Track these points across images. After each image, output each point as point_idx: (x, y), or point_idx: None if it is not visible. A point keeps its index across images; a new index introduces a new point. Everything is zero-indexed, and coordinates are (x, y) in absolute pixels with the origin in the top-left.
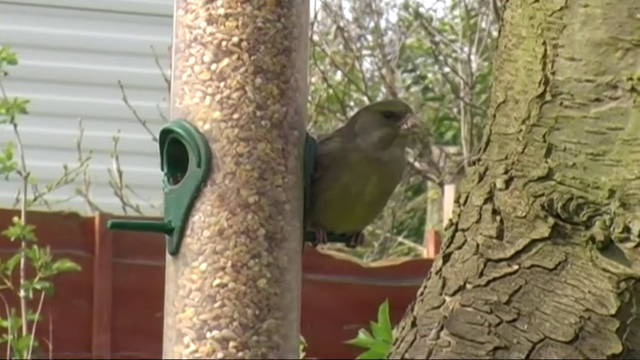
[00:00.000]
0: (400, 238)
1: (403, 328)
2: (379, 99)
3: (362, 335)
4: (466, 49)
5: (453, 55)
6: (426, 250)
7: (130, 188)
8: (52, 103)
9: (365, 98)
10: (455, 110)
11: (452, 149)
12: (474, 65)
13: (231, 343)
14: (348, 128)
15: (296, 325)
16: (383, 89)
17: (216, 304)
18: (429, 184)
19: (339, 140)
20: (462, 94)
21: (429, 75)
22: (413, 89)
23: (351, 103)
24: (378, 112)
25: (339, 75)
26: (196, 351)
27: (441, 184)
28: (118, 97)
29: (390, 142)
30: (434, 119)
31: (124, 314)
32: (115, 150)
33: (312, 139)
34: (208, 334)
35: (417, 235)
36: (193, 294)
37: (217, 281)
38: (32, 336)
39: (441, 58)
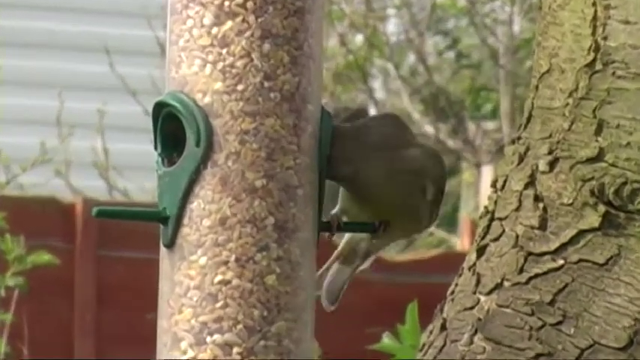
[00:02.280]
0: (430, 228)
1: (431, 332)
2: (406, 66)
3: (386, 339)
4: (507, 8)
5: (492, 15)
6: (460, 242)
7: (117, 169)
8: (27, 69)
9: (389, 65)
10: (494, 80)
11: (490, 125)
12: (516, 28)
13: (235, 349)
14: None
15: (310, 328)
16: (410, 55)
17: (218, 304)
18: (464, 164)
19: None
20: (501, 61)
21: (464, 39)
22: (445, 55)
23: (374, 71)
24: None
25: (359, 38)
26: (195, 358)
27: (478, 165)
28: (104, 63)
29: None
30: (469, 90)
31: (111, 315)
32: (101, 125)
33: (329, 114)
34: (209, 339)
35: (450, 223)
36: (191, 292)
37: (219, 277)
38: (4, 339)
39: (477, 19)
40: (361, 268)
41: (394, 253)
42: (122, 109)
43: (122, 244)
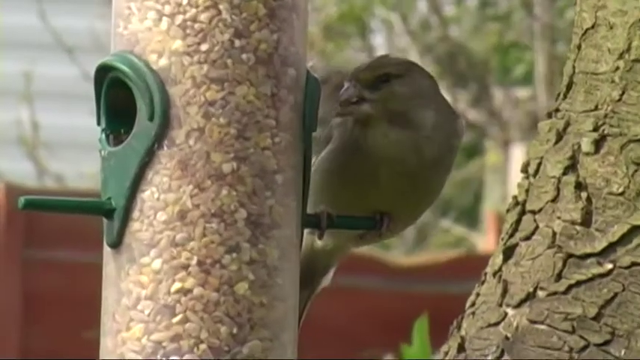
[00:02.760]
0: (446, 222)
1: (446, 354)
2: (415, 18)
3: None
4: None
5: None
6: (484, 241)
7: (48, 148)
8: None
9: (395, 17)
10: (527, 35)
11: (522, 92)
12: None
13: None
14: None
15: (291, 350)
16: (421, 3)
17: (176, 319)
18: (489, 143)
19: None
20: (536, 12)
21: None
22: (466, 4)
23: (375, 24)
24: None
25: None
26: None
27: (506, 144)
28: (31, 13)
29: (362, 122)
30: (496, 48)
31: (39, 332)
32: (28, 91)
33: (316, 80)
34: None
35: (471, 218)
36: (143, 304)
37: (177, 285)
38: None
39: None
40: (320, 288)
41: (400, 254)
42: (55, 72)
43: (55, 243)
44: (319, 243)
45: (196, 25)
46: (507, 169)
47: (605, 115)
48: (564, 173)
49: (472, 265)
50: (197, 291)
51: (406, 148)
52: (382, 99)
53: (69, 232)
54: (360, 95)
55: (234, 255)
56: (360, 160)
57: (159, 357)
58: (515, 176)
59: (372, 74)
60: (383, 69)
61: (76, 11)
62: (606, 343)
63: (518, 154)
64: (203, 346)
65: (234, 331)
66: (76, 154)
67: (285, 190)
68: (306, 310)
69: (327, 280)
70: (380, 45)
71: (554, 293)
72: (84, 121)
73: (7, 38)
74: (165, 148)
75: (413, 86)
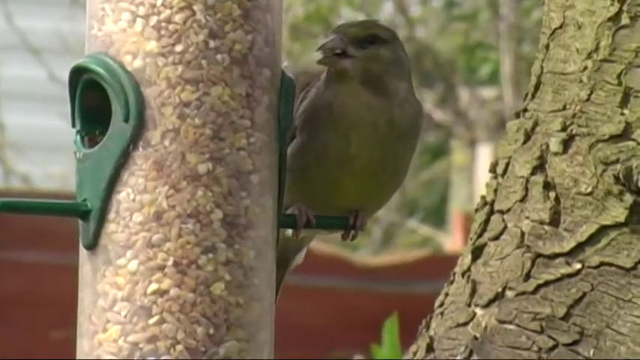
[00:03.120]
0: (413, 222)
1: (415, 354)
2: (381, 18)
3: None
4: None
5: None
6: (451, 241)
7: (15, 148)
8: None
9: (360, 17)
10: (493, 35)
11: (489, 92)
12: None
13: None
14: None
15: (268, 350)
16: (387, 3)
17: (152, 320)
18: (455, 143)
19: (315, 90)
20: (502, 11)
21: None
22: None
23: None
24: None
25: None
26: None
27: (472, 144)
28: None
29: (335, 77)
30: (462, 47)
31: (8, 333)
32: None
33: (291, 81)
34: None
35: (437, 218)
36: (119, 305)
37: (153, 286)
38: None
39: None
40: (294, 265)
41: (367, 254)
42: (22, 72)
43: (26, 244)
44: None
45: (171, 26)
46: (474, 169)
47: (574, 115)
48: (533, 173)
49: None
50: (173, 292)
51: (377, 113)
52: (365, 58)
53: (36, 234)
54: (344, 49)
55: (211, 256)
56: (330, 126)
57: (136, 358)
58: (482, 176)
59: (361, 32)
60: (373, 30)
61: (42, 13)
62: (575, 342)
63: (484, 154)
64: (180, 347)
65: (211, 331)
66: (42, 155)
67: (260, 190)
68: (281, 289)
69: (300, 258)
70: None
71: (523, 293)
72: (51, 122)
73: None
74: (140, 149)
75: (395, 55)
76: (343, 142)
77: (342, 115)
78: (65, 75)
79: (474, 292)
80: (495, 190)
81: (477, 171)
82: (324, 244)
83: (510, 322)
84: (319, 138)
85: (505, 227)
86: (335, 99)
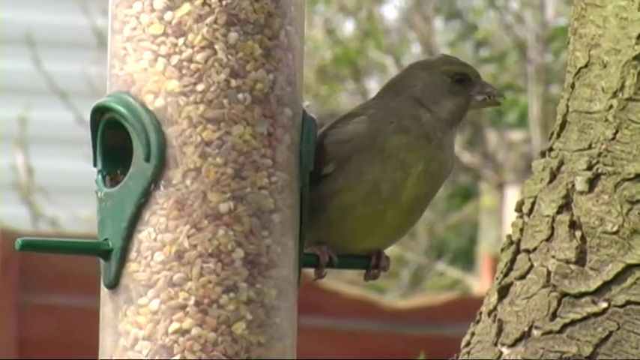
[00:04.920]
0: (441, 265)
1: None
2: (409, 60)
3: None
4: None
5: None
6: (479, 283)
7: (44, 192)
8: None
9: (388, 59)
10: (521, 77)
11: (517, 135)
12: (549, 12)
13: None
14: (390, 98)
15: None
16: (415, 46)
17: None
18: (483, 185)
19: (367, 119)
20: (530, 54)
21: (483, 25)
22: (459, 46)
23: (369, 66)
24: (446, 74)
25: (350, 26)
26: None
27: (501, 187)
28: (25, 57)
29: (459, 118)
30: None
31: None
32: (22, 136)
33: (312, 120)
34: None
35: (466, 260)
36: (140, 344)
37: (175, 326)
38: None
39: (500, 0)
40: None
41: (395, 297)
42: (49, 116)
43: (51, 287)
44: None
45: (192, 66)
46: (502, 212)
47: (599, 154)
48: (558, 212)
49: (467, 308)
50: (195, 331)
51: (452, 153)
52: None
53: (65, 277)
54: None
55: (232, 295)
56: (389, 162)
57: None
58: (511, 218)
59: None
60: None
61: (70, 56)
62: None
63: (512, 197)
64: None
65: None
66: (70, 199)
67: (282, 229)
68: None
69: None
70: (374, 88)
71: (549, 332)
72: (78, 165)
73: (2, 83)
74: (161, 188)
75: None
76: (400, 176)
77: (431, 151)
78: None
79: (500, 331)
80: (521, 229)
81: (505, 213)
82: (352, 286)
83: None
84: (369, 172)
85: (531, 266)
86: (441, 137)
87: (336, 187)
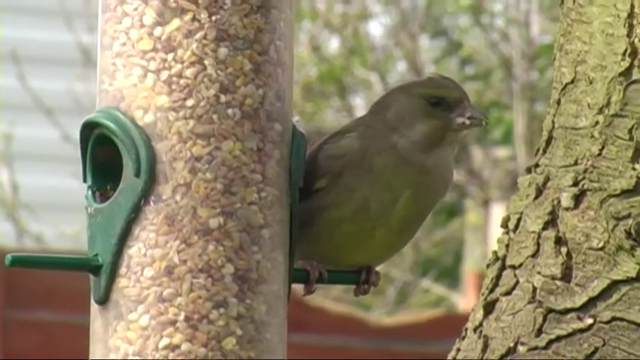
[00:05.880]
0: (427, 282)
1: None
2: (394, 77)
3: None
4: (523, 5)
5: (504, 14)
6: (464, 300)
7: (29, 209)
8: None
9: (374, 76)
10: (506, 94)
11: (502, 152)
12: (534, 29)
13: None
14: (374, 117)
15: None
16: (400, 63)
17: None
18: (469, 202)
19: (357, 136)
20: (515, 71)
21: (468, 42)
22: (445, 63)
23: (354, 83)
24: (422, 97)
25: (336, 43)
26: None
27: (486, 203)
28: (10, 73)
29: (438, 141)
30: None
31: None
32: (7, 153)
33: (302, 135)
34: None
35: (452, 277)
36: None
37: (165, 341)
38: None
39: (485, 17)
40: None
41: (381, 314)
42: (34, 133)
43: (38, 303)
44: None
45: (182, 81)
46: (487, 229)
47: (585, 170)
48: (544, 228)
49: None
50: (185, 347)
51: (447, 175)
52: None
53: (53, 293)
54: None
55: (222, 310)
56: (378, 182)
57: None
58: (496, 235)
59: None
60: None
61: (55, 73)
62: None
63: (498, 213)
64: None
65: None
66: (55, 215)
67: (271, 244)
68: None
69: None
70: (359, 105)
71: (535, 348)
72: (63, 182)
73: None
74: (151, 203)
75: None
76: (389, 198)
77: (417, 175)
78: (78, 135)
79: (485, 347)
80: (507, 246)
81: (490, 230)
82: (338, 303)
83: None
84: (359, 189)
85: (517, 282)
86: (425, 159)
87: (326, 202)
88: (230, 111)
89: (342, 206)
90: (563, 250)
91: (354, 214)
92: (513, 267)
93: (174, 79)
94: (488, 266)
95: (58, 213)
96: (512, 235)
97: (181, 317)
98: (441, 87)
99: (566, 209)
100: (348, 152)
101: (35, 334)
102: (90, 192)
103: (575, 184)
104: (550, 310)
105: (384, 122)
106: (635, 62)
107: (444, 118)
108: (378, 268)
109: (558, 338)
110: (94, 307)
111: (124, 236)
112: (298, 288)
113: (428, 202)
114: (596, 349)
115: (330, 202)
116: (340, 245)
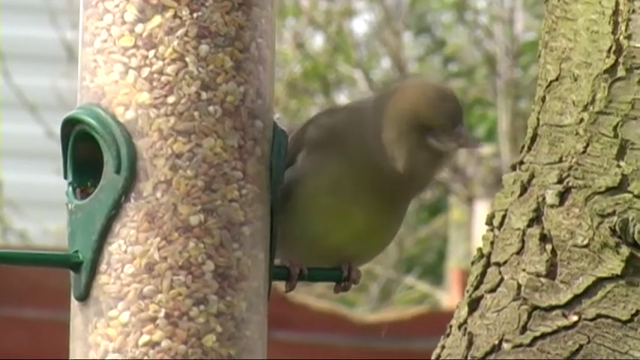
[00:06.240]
0: (410, 279)
1: None
2: (379, 74)
3: None
4: (507, 2)
5: (488, 11)
6: (448, 297)
7: (13, 205)
8: None
9: (358, 73)
10: (490, 92)
11: (486, 149)
12: (518, 26)
13: None
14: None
15: None
16: (384, 60)
17: None
18: (452, 199)
19: (348, 114)
20: (499, 68)
21: (452, 39)
22: (429, 60)
23: (338, 80)
24: (405, 121)
25: (319, 39)
26: None
27: (470, 201)
28: None
29: (415, 163)
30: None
31: None
32: None
33: (283, 133)
34: None
35: (435, 274)
36: (111, 357)
37: (145, 338)
38: None
39: (469, 14)
40: None
41: (365, 310)
42: (18, 129)
43: (22, 300)
44: None
45: (163, 78)
46: (471, 226)
47: (570, 168)
48: (529, 225)
49: (437, 322)
50: (165, 344)
51: (431, 173)
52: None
53: (35, 290)
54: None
55: (202, 307)
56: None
57: None
58: (480, 233)
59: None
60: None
61: (40, 70)
62: None
63: (482, 211)
64: None
65: None
66: (39, 212)
67: (252, 241)
68: None
69: None
70: (343, 102)
71: (520, 345)
72: (47, 178)
73: None
74: (132, 200)
75: None
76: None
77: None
78: None
79: (470, 344)
80: (492, 243)
81: (474, 227)
82: (321, 300)
83: None
84: (338, 161)
85: (501, 279)
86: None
87: (303, 172)
88: (211, 108)
89: (318, 176)
90: (548, 247)
91: (330, 185)
92: (498, 264)
93: (155, 75)
94: (472, 263)
95: (42, 209)
96: (496, 232)
97: (161, 314)
98: (430, 112)
99: (551, 206)
100: (332, 125)
101: (20, 331)
102: (70, 188)
103: (560, 181)
104: (535, 308)
105: (374, 120)
106: (620, 59)
107: (426, 148)
108: (363, 267)
109: (543, 335)
110: (74, 303)
111: (105, 233)
112: (280, 285)
113: (410, 190)
114: (581, 346)
115: (307, 173)
116: (317, 220)
